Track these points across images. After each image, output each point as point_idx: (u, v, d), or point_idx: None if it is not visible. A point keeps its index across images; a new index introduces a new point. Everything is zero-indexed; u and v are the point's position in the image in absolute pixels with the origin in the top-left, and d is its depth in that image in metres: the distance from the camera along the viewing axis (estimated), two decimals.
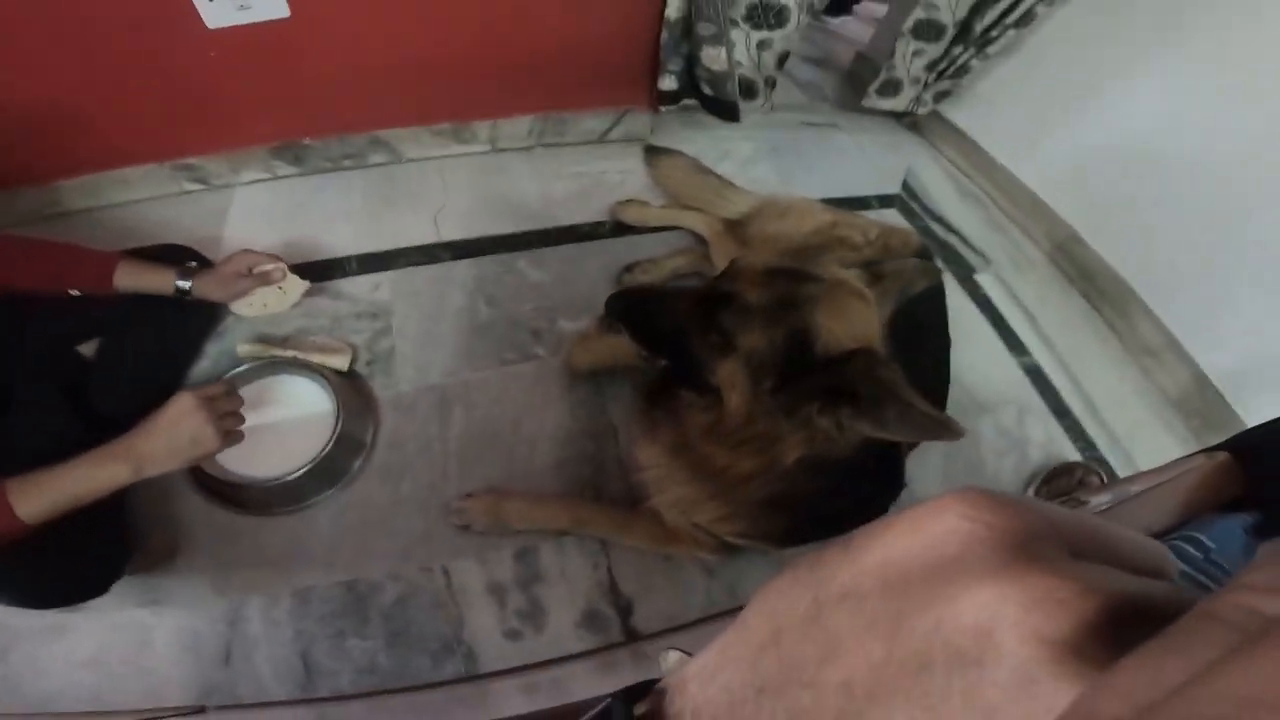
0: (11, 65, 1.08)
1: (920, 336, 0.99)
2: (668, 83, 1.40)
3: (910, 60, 1.57)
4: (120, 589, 0.83)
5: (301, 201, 1.36)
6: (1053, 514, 0.15)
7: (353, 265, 1.24)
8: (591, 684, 0.89)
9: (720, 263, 1.18)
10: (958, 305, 1.36)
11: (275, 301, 1.10)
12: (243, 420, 0.84)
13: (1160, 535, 0.59)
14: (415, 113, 1.41)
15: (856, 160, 1.67)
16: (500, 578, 0.94)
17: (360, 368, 1.10)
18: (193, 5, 1.07)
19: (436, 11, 1.21)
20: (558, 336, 1.17)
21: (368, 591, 0.92)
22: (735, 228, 1.24)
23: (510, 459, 1.04)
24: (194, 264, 1.02)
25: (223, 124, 1.31)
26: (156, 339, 1.04)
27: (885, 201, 1.60)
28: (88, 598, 0.83)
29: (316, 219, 1.32)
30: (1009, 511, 0.15)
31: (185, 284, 0.98)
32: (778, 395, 0.66)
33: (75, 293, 0.93)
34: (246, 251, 1.03)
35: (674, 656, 0.35)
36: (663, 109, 1.46)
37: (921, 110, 1.69)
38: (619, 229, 1.35)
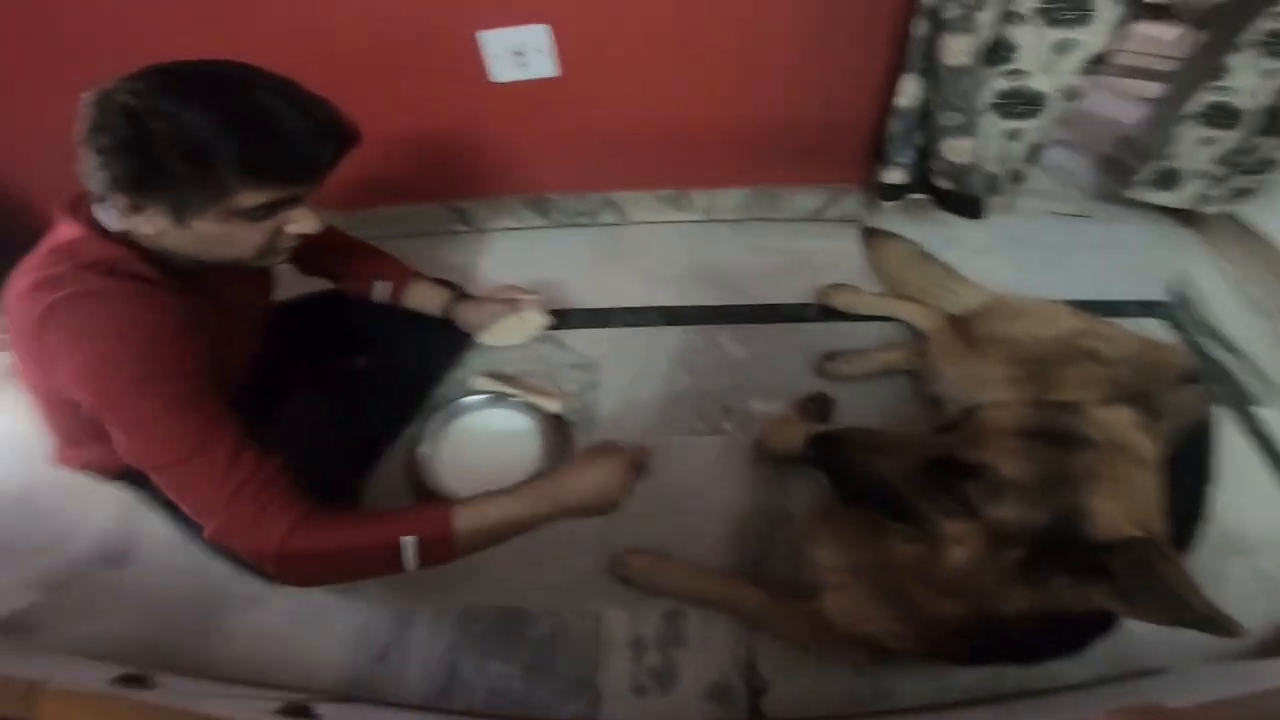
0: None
1: (1178, 467, 0.85)
2: (893, 176, 1.34)
3: (1196, 150, 1.35)
4: None
5: (541, 252, 1.54)
6: None
7: (575, 318, 1.36)
8: None
9: (941, 365, 1.11)
10: (1230, 442, 1.13)
11: (515, 332, 1.24)
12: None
13: None
14: (644, 177, 1.53)
15: (1112, 258, 1.47)
16: (644, 633, 0.97)
17: (568, 414, 1.21)
18: (482, 60, 1.26)
19: (679, 81, 1.31)
20: (748, 415, 1.18)
21: (524, 620, 0.99)
22: (960, 325, 1.15)
23: (683, 524, 1.07)
24: (463, 293, 1.21)
25: (492, 172, 1.53)
26: (419, 361, 1.24)
27: (1146, 309, 1.38)
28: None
29: (551, 270, 1.48)
30: None
31: (454, 307, 1.17)
32: (1025, 566, 0.59)
33: (378, 298, 1.16)
34: (507, 285, 1.20)
35: None
36: (885, 204, 1.41)
37: (1210, 209, 1.44)
38: (825, 313, 1.33)
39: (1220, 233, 1.51)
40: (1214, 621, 0.49)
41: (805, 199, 1.51)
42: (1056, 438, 0.60)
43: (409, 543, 0.74)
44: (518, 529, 0.79)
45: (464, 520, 0.76)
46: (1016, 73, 1.15)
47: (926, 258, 1.35)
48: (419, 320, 1.19)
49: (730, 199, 1.54)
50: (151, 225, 0.70)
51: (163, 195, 0.68)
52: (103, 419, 0.70)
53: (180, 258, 0.76)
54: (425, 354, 1.25)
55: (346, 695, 0.94)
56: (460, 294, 1.21)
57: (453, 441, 1.17)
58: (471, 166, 1.51)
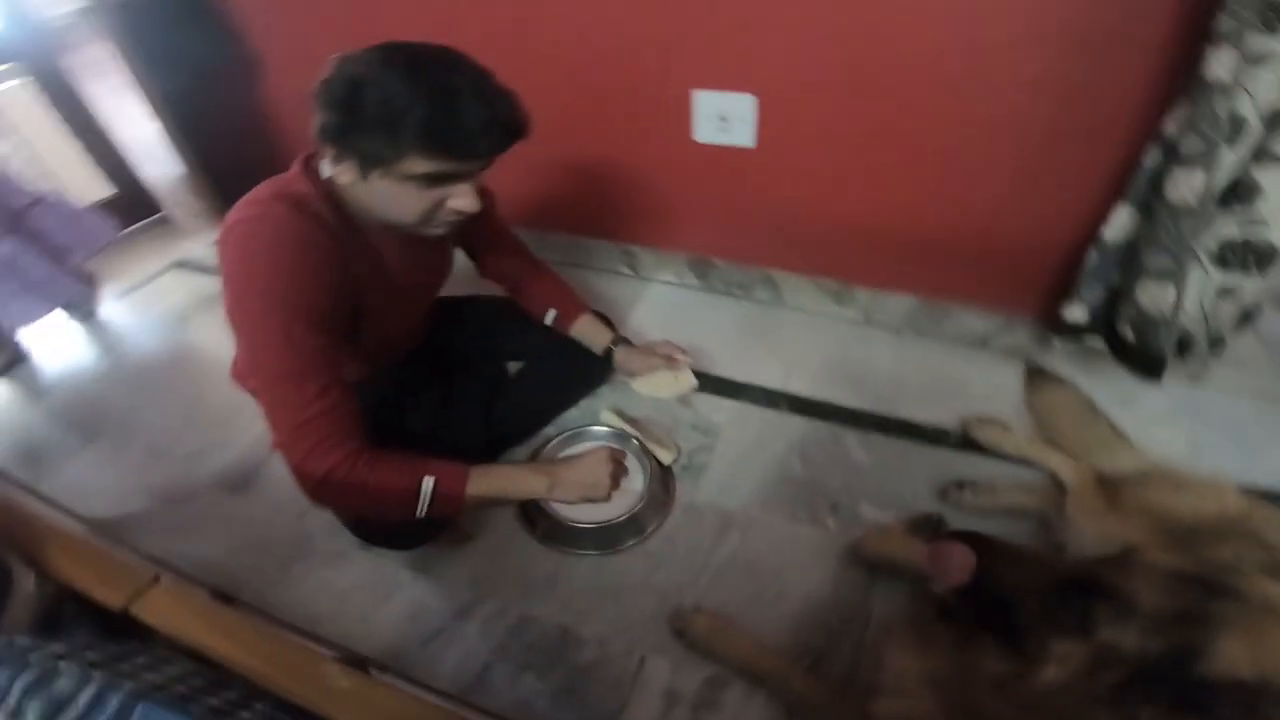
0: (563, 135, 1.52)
1: None
2: (1075, 313, 1.25)
3: None
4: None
5: (692, 313, 1.62)
6: None
7: (707, 383, 1.40)
8: None
9: (1079, 521, 1.02)
10: None
11: (666, 388, 1.31)
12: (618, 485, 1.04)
13: None
14: (808, 263, 1.55)
15: None
16: (681, 689, 0.96)
17: (676, 468, 1.26)
18: (690, 117, 1.37)
19: (870, 174, 1.32)
20: (855, 517, 1.16)
21: (572, 644, 1.01)
22: (1109, 486, 1.05)
23: (756, 597, 1.06)
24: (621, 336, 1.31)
25: (667, 226, 1.63)
26: (562, 379, 1.36)
27: None
28: (399, 547, 1.09)
29: (697, 332, 1.55)
30: None
31: (614, 348, 1.28)
32: (1116, 689, 0.57)
33: (549, 321, 1.28)
34: (668, 342, 1.28)
35: None
36: (1058, 342, 1.32)
37: None
38: (965, 443, 1.27)
39: None
40: None
41: (974, 321, 1.45)
42: (1207, 585, 0.59)
43: (427, 490, 0.87)
44: (517, 489, 0.98)
45: (477, 483, 0.91)
46: (1253, 222, 1.05)
47: (1093, 411, 1.24)
48: (571, 343, 1.30)
49: (895, 305, 1.51)
50: (347, 175, 0.84)
51: (356, 148, 0.81)
52: (230, 323, 0.82)
53: (361, 212, 0.90)
54: (570, 378, 1.37)
55: (384, 666, 0.98)
56: (620, 337, 1.31)
57: None
58: (651, 215, 1.63)
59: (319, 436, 0.81)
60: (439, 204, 0.87)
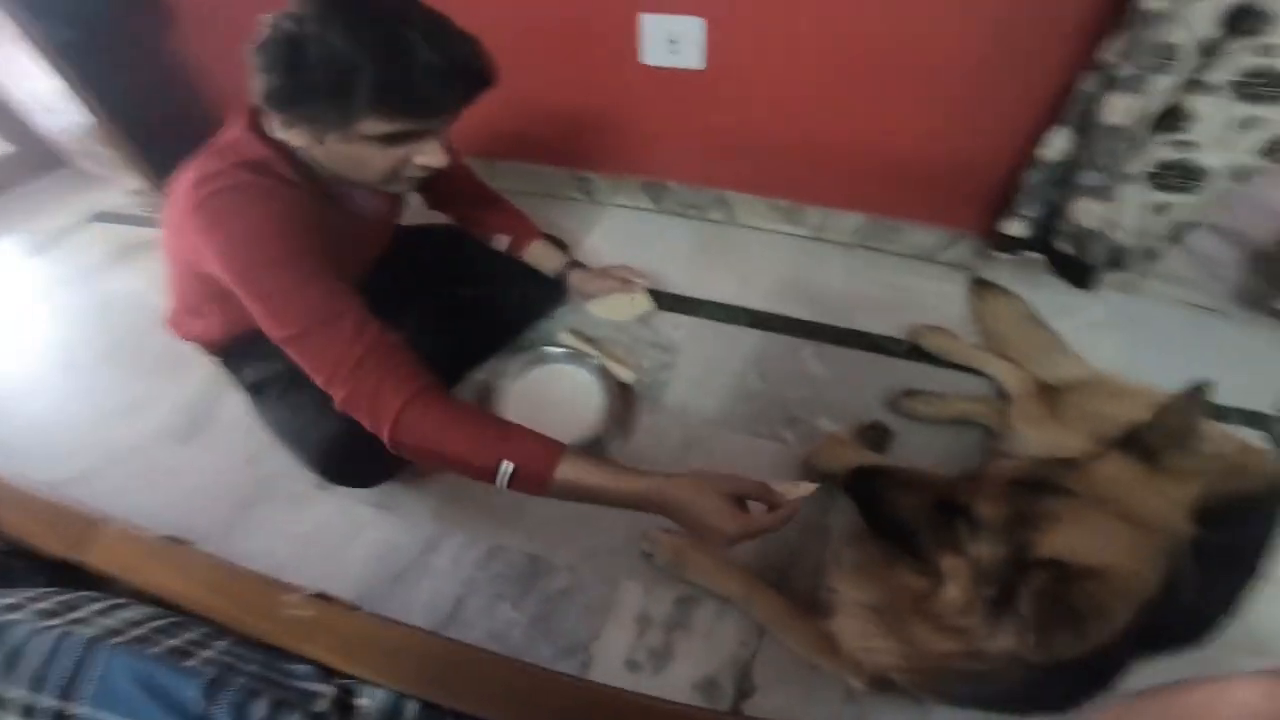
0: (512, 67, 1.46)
1: (1226, 555, 0.80)
2: (1015, 228, 1.30)
3: None
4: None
5: (647, 235, 1.60)
6: None
7: (665, 301, 1.40)
8: None
9: (1021, 427, 1.08)
10: None
11: (622, 309, 1.31)
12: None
13: None
14: (762, 182, 1.54)
15: (1234, 362, 1.34)
16: (653, 612, 0.99)
17: (638, 387, 1.26)
18: (637, 41, 1.32)
19: (818, 96, 1.31)
20: (812, 430, 1.19)
21: (544, 571, 1.02)
22: (1049, 394, 1.11)
23: None
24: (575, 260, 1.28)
25: (620, 150, 1.59)
26: (518, 304, 1.33)
27: (1251, 420, 1.27)
28: (361, 485, 1.06)
29: (653, 253, 1.54)
30: None
31: (568, 271, 1.26)
32: (993, 603, 0.62)
33: (500, 246, 1.24)
34: (624, 265, 1.27)
35: None
36: (999, 255, 1.37)
37: None
38: (914, 353, 1.31)
39: None
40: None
41: (922, 236, 1.49)
42: (1037, 487, 0.64)
43: (508, 468, 0.75)
44: (612, 501, 0.76)
45: (566, 470, 0.75)
46: (1185, 144, 1.09)
47: (1035, 320, 1.30)
48: (525, 268, 1.28)
49: (845, 222, 1.53)
50: (300, 139, 0.79)
51: (304, 113, 0.75)
52: (244, 295, 0.78)
53: (320, 169, 0.85)
54: (525, 300, 1.34)
55: (357, 607, 0.96)
56: (575, 261, 1.29)
57: (526, 384, 1.24)
58: (603, 141, 1.58)
59: (375, 380, 0.75)
60: (403, 161, 0.83)
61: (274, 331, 0.78)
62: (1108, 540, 0.61)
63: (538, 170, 1.71)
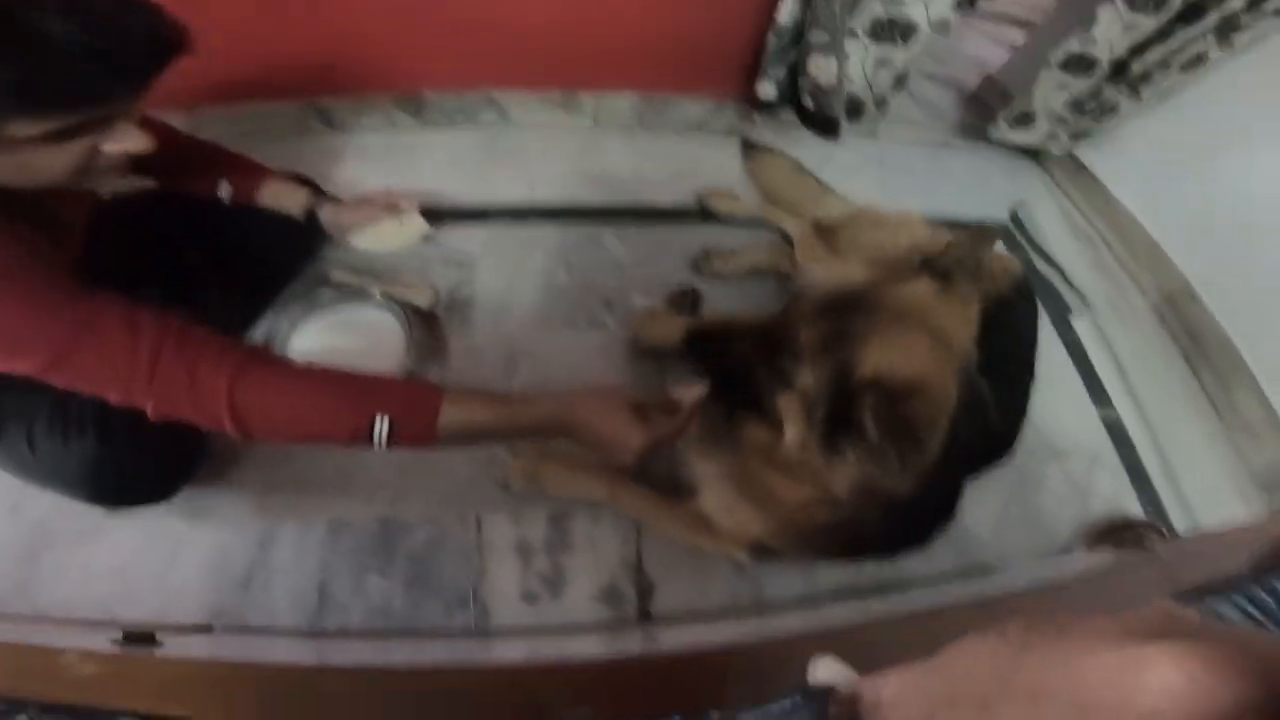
0: None
1: (1006, 363, 0.95)
2: (766, 90, 1.38)
3: (1052, 94, 1.47)
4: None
5: (415, 155, 1.44)
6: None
7: (450, 215, 1.29)
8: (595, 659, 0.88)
9: (808, 268, 1.16)
10: (1047, 345, 1.28)
11: (394, 237, 1.17)
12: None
13: (1235, 580, 0.54)
14: (528, 77, 1.46)
15: (966, 183, 1.60)
16: (530, 538, 0.96)
17: (439, 311, 1.16)
18: None
19: None
20: (629, 311, 1.19)
21: (400, 531, 0.95)
22: (826, 233, 1.21)
23: None
24: (324, 192, 1.12)
25: (358, 67, 1.39)
26: (263, 258, 1.13)
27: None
28: (152, 501, 0.89)
29: (426, 174, 1.39)
30: (1237, 683, 0.13)
31: (316, 208, 1.09)
32: (828, 430, 0.66)
33: (224, 197, 1.04)
34: (387, 190, 1.13)
35: (828, 664, 0.37)
36: (758, 117, 1.45)
37: (1056, 149, 1.59)
38: (705, 215, 1.36)
39: (1059, 168, 1.68)
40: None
41: (692, 109, 1.52)
42: (846, 307, 0.68)
43: (384, 423, 0.67)
44: (508, 435, 0.75)
45: (452, 413, 0.69)
46: (895, 2, 1.19)
47: (801, 171, 1.41)
48: (263, 217, 1.08)
49: (619, 104, 1.51)
50: None
51: None
52: None
53: None
54: (269, 251, 1.14)
55: (208, 627, 0.87)
56: (322, 193, 1.12)
57: (308, 339, 1.09)
58: (333, 60, 1.36)
59: (184, 371, 0.64)
60: (89, 153, 0.66)
61: (32, 368, 0.63)
62: (917, 355, 0.66)
63: (258, 109, 1.43)
